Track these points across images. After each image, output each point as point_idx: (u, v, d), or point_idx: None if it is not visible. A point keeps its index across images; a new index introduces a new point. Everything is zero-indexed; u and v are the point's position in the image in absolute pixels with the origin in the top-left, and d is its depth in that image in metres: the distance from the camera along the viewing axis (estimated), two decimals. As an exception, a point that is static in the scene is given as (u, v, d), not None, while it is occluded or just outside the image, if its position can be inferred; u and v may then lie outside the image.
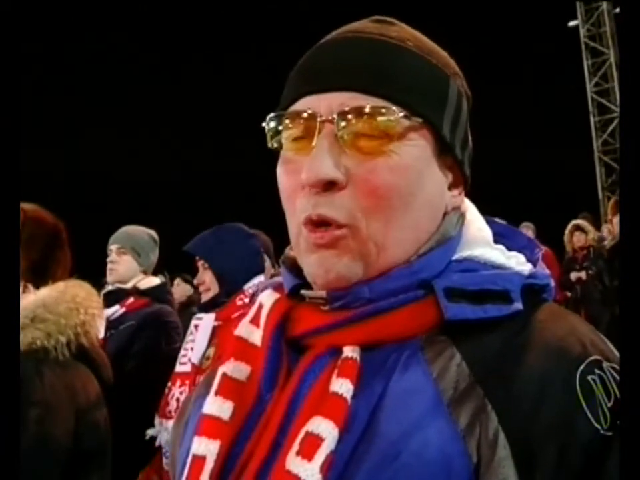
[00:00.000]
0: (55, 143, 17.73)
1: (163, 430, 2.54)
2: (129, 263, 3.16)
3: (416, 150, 0.71)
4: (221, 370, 0.75)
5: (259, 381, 0.73)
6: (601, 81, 17.48)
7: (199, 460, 0.70)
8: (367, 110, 0.68)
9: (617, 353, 0.68)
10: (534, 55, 18.35)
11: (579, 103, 17.53)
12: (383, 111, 0.69)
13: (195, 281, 2.77)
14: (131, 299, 3.07)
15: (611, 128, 17.20)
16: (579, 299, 6.83)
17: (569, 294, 7.06)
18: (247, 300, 2.56)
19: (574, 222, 7.12)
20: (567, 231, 7.09)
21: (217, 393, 0.73)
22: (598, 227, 8.10)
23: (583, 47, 17.68)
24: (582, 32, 17.65)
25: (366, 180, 0.69)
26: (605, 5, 17.26)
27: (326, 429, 0.64)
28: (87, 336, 1.79)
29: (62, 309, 1.73)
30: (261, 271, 2.71)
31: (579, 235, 6.99)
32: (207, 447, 0.70)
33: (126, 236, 3.21)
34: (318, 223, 0.69)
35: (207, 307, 2.64)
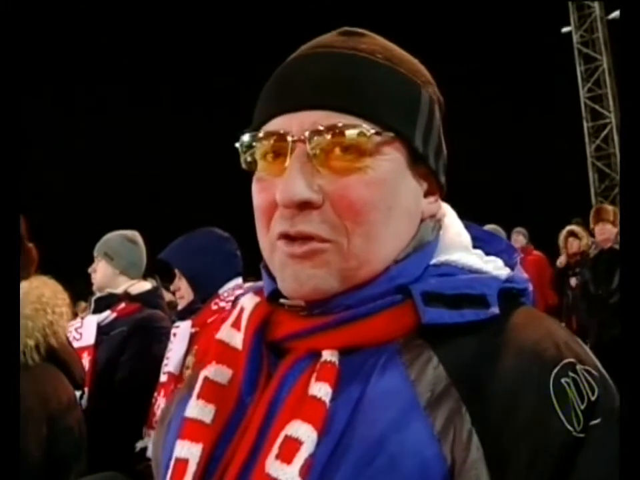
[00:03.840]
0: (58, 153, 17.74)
1: (150, 441, 2.49)
2: (103, 268, 3.14)
3: (390, 164, 0.71)
4: (203, 373, 0.76)
5: (240, 385, 0.74)
6: (594, 87, 17.59)
7: (182, 463, 0.70)
8: (338, 128, 0.68)
9: (592, 356, 0.69)
10: (527, 61, 18.43)
11: (572, 108, 17.64)
12: (354, 128, 0.69)
13: (172, 288, 2.77)
14: (122, 305, 3.03)
15: (604, 134, 17.32)
16: (571, 306, 6.84)
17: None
18: (222, 304, 2.55)
19: (568, 228, 7.12)
20: (561, 237, 7.09)
21: (198, 397, 0.74)
22: (590, 233, 8.12)
23: (576, 53, 17.81)
24: (575, 38, 17.77)
25: (342, 196, 0.69)
26: (597, 12, 17.39)
27: (305, 433, 0.64)
28: (56, 336, 1.71)
29: (28, 311, 1.65)
30: (237, 273, 2.69)
31: (573, 240, 6.98)
32: (189, 450, 0.71)
33: (100, 243, 3.20)
34: (296, 238, 0.69)
35: (183, 314, 2.65)
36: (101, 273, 3.14)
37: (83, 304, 6.39)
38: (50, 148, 17.37)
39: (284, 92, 0.73)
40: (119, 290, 3.11)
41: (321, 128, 0.68)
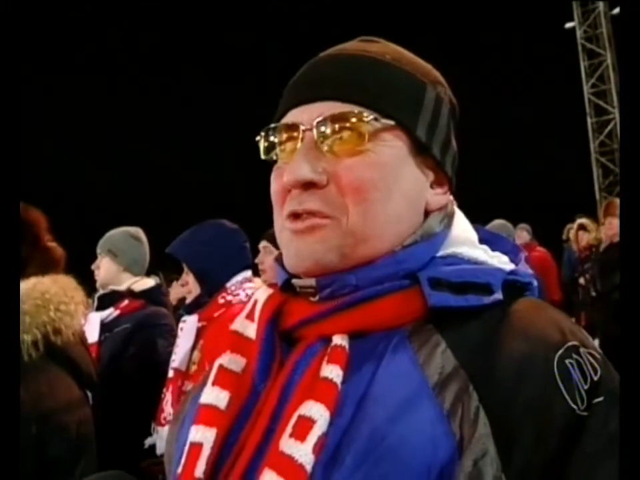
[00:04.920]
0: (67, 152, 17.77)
1: (158, 438, 2.47)
2: (107, 264, 3.15)
3: (390, 149, 0.76)
4: (218, 362, 0.80)
5: (253, 373, 0.77)
6: (597, 83, 17.52)
7: (196, 447, 0.73)
8: (341, 115, 0.75)
9: (593, 343, 0.72)
10: (531, 57, 18.39)
11: (576, 104, 17.58)
12: (355, 115, 0.75)
13: (180, 282, 2.74)
14: (126, 302, 3.04)
15: (607, 129, 17.25)
16: (581, 302, 6.87)
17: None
18: (229, 298, 2.50)
19: (579, 221, 7.11)
20: (573, 231, 7.10)
21: (213, 383, 0.78)
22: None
23: (580, 48, 17.73)
24: (579, 33, 17.69)
25: (344, 176, 0.74)
26: (601, 7, 17.32)
27: (317, 412, 0.67)
28: (59, 334, 1.69)
29: (27, 306, 1.64)
30: (246, 266, 2.64)
31: (582, 234, 6.96)
32: (203, 435, 0.73)
33: (103, 240, 3.21)
34: (302, 215, 0.75)
35: (190, 309, 2.61)
36: (105, 270, 3.15)
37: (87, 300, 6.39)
38: (50, 146, 17.40)
39: (298, 88, 0.81)
40: (123, 287, 3.12)
41: (326, 116, 0.75)
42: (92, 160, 18.48)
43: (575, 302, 6.97)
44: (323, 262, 0.74)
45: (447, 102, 0.84)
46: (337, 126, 0.75)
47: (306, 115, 0.77)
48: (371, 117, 0.75)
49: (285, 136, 0.79)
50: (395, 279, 0.74)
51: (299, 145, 0.76)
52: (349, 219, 0.74)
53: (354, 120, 0.75)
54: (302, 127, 0.76)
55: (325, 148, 0.75)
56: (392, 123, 0.76)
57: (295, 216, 0.75)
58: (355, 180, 0.74)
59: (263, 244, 2.98)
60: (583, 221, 7.13)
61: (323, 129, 0.75)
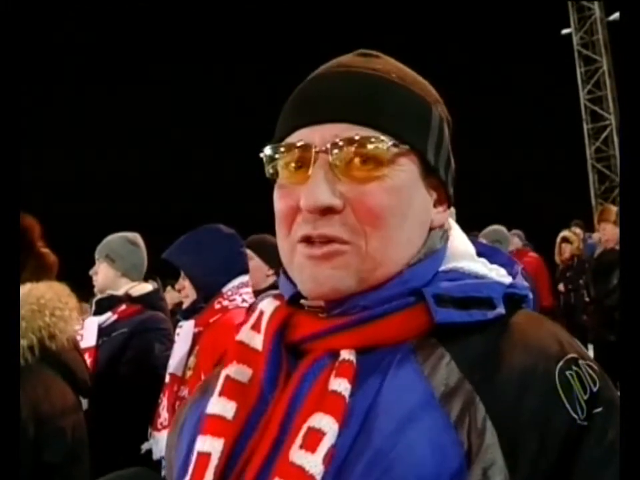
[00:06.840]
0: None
1: (154, 443, 2.45)
2: (105, 270, 3.14)
3: (405, 174, 0.76)
4: (224, 373, 0.80)
5: (260, 383, 0.77)
6: (593, 89, 17.61)
7: (204, 457, 0.73)
8: (359, 140, 0.73)
9: (589, 354, 0.74)
10: (527, 63, 18.45)
11: (572, 110, 17.65)
12: (373, 140, 0.74)
13: (177, 287, 2.72)
14: (123, 306, 3.03)
15: (603, 135, 17.33)
16: (562, 308, 7.02)
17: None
18: (225, 303, 2.48)
19: (561, 234, 7.39)
20: (556, 244, 7.33)
21: (220, 394, 0.78)
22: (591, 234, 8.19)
23: (576, 54, 17.82)
24: (575, 40, 17.80)
25: (362, 202, 0.74)
26: (597, 13, 17.41)
27: (327, 424, 0.68)
28: (54, 339, 1.70)
29: (24, 311, 1.65)
30: (242, 271, 2.61)
31: (565, 246, 7.30)
32: (211, 445, 0.74)
33: (101, 245, 3.21)
34: (315, 241, 0.74)
35: (187, 314, 2.58)
36: (103, 275, 3.14)
37: (84, 305, 6.39)
38: (50, 147, 17.40)
39: (306, 107, 0.78)
40: (120, 292, 3.11)
41: (342, 139, 0.73)
42: (92, 160, 18.47)
43: (556, 309, 7.10)
44: (342, 288, 0.74)
45: (445, 120, 0.84)
46: (352, 149, 0.73)
47: (318, 136, 0.74)
48: (390, 142, 0.74)
49: (295, 155, 0.76)
50: (401, 297, 0.74)
51: (312, 167, 0.74)
52: (368, 243, 0.73)
53: (372, 145, 0.73)
54: (314, 149, 0.74)
55: (341, 172, 0.74)
56: (407, 147, 0.75)
57: (309, 240, 0.74)
58: (374, 206, 0.73)
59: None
60: (565, 233, 7.42)
61: (338, 152, 0.73)
